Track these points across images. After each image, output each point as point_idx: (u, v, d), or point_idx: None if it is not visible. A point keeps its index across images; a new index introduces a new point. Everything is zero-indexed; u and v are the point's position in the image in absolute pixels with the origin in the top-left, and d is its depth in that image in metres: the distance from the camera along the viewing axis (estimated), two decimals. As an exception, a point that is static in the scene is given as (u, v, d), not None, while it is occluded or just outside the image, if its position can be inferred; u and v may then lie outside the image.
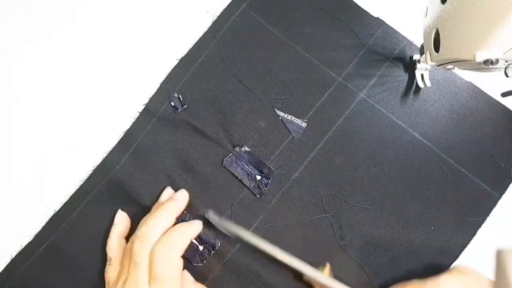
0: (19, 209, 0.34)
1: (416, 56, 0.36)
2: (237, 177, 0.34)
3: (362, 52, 0.36)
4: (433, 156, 0.35)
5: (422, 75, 0.35)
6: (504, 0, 0.22)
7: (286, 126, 0.35)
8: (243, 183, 0.34)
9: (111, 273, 0.31)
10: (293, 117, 0.35)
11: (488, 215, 0.34)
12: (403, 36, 0.37)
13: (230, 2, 0.37)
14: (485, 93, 0.36)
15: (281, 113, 0.35)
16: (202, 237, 0.33)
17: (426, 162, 0.35)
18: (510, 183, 0.35)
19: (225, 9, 0.37)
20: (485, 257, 0.34)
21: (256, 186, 0.34)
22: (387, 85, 0.36)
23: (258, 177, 0.34)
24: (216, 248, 0.33)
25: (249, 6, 0.37)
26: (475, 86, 0.36)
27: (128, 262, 0.29)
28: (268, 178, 0.34)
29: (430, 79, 0.35)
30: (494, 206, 0.34)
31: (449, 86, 0.36)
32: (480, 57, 0.25)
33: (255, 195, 0.34)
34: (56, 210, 0.34)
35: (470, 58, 0.25)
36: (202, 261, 0.33)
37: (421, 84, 0.35)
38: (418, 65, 0.35)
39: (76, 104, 0.36)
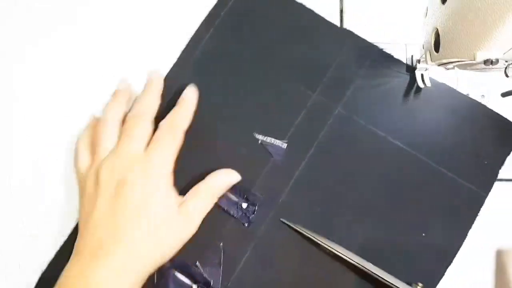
0: (19, 209, 0.34)
1: (416, 56, 0.36)
2: (222, 208, 0.33)
3: (334, 65, 0.36)
4: (416, 162, 0.35)
5: (422, 75, 0.35)
6: (504, 0, 0.22)
7: (267, 149, 0.35)
8: (229, 213, 0.33)
9: (83, 160, 0.32)
10: (272, 139, 0.35)
11: (477, 215, 0.34)
12: (373, 44, 0.37)
13: (197, 30, 0.37)
14: (460, 93, 0.36)
15: (260, 137, 0.35)
16: (195, 275, 0.32)
17: (410, 168, 0.35)
18: (495, 179, 0.34)
19: (192, 37, 0.36)
20: (484, 259, 0.34)
21: (243, 214, 0.33)
22: (363, 96, 0.36)
23: (244, 205, 0.33)
24: (211, 285, 0.32)
25: (217, 30, 0.37)
26: (450, 87, 0.36)
27: (108, 140, 0.31)
28: (254, 205, 0.34)
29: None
30: (482, 204, 0.34)
31: (424, 89, 0.36)
32: (480, 57, 0.25)
33: (243, 224, 0.33)
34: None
35: (470, 58, 0.25)
36: None
37: (421, 84, 0.35)
38: (418, 65, 0.35)
39: (76, 104, 0.36)
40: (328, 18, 0.37)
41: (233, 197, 0.33)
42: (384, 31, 0.38)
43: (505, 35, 0.23)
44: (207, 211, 0.31)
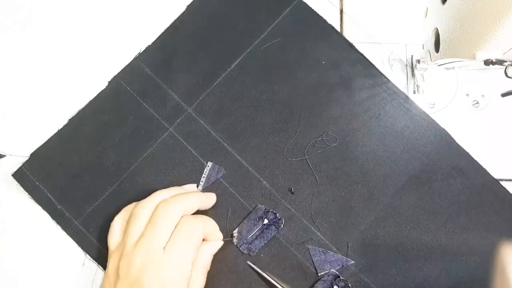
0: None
1: (416, 56, 0.36)
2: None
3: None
4: None
5: (422, 75, 0.35)
6: (504, 0, 0.22)
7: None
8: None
9: (114, 238, 0.31)
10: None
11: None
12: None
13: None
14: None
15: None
16: None
17: None
18: None
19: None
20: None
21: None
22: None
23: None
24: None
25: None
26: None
27: (138, 226, 0.30)
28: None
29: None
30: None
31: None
32: (480, 57, 0.25)
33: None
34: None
35: (470, 58, 0.25)
36: None
37: (421, 84, 0.35)
38: (418, 65, 0.35)
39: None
40: (328, 18, 0.37)
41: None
42: (384, 31, 0.38)
43: (505, 35, 0.23)
44: None
